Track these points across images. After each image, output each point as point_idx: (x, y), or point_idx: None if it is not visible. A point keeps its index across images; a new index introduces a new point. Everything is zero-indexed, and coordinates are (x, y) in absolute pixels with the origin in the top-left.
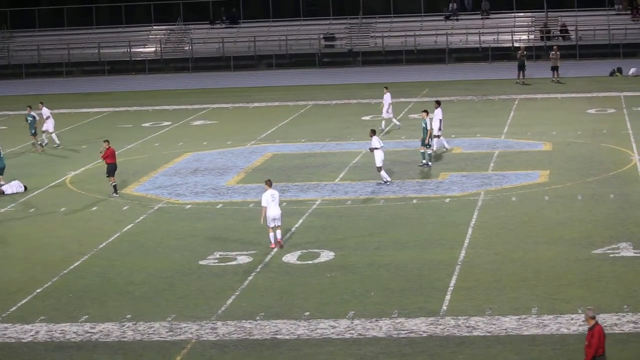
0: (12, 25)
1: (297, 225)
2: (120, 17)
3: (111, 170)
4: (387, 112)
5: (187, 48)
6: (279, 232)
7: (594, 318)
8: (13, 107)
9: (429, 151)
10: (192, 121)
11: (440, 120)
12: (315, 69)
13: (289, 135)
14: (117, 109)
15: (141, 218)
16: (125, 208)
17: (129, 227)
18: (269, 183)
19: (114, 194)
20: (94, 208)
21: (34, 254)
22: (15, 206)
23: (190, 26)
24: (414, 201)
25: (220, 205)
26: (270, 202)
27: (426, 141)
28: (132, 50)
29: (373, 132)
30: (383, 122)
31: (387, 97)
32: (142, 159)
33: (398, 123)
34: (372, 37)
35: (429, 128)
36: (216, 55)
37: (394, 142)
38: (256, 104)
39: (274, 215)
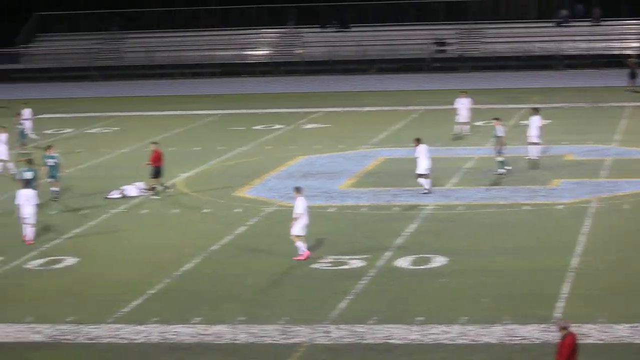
0: (122, 27)
1: (409, 231)
2: (232, 20)
3: (156, 172)
4: (464, 117)
5: (298, 51)
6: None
7: (565, 328)
8: (124, 108)
9: (501, 159)
10: (304, 124)
11: (539, 128)
12: (425, 73)
13: (400, 140)
14: (228, 112)
15: (253, 221)
16: (236, 210)
17: (240, 229)
18: (300, 190)
19: (153, 194)
20: (206, 210)
21: (146, 256)
22: (127, 208)
23: (301, 29)
24: (526, 207)
25: (333, 209)
26: (305, 209)
27: (497, 149)
28: (243, 52)
29: (418, 141)
30: (462, 127)
31: (465, 102)
32: (254, 162)
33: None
34: (482, 42)
35: (499, 135)
36: (327, 58)
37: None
38: (368, 108)
39: (307, 222)
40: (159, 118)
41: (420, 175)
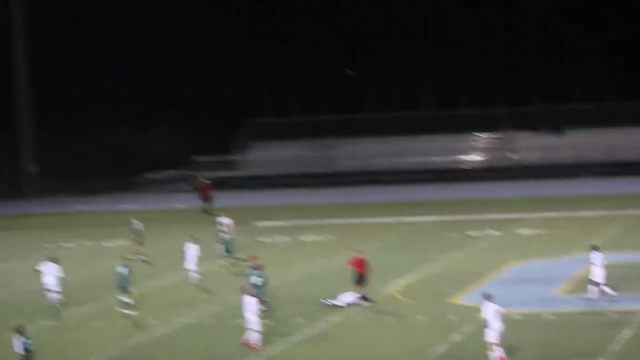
0: (337, 133)
1: (625, 337)
2: (445, 125)
3: (358, 279)
4: None
5: (512, 156)
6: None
7: None
8: (339, 215)
9: None
10: (519, 230)
11: None
12: None
13: (616, 245)
14: (443, 218)
15: (468, 328)
16: (451, 317)
17: (455, 337)
18: (489, 297)
19: (364, 302)
20: (421, 318)
21: None
22: (343, 316)
23: (514, 134)
24: None
25: (548, 314)
26: (496, 316)
27: None
28: (457, 158)
29: (594, 249)
30: None
31: None
32: (469, 268)
33: None
34: None
35: None
36: (541, 163)
37: None
38: (584, 213)
39: (501, 329)
40: (374, 225)
41: (593, 282)
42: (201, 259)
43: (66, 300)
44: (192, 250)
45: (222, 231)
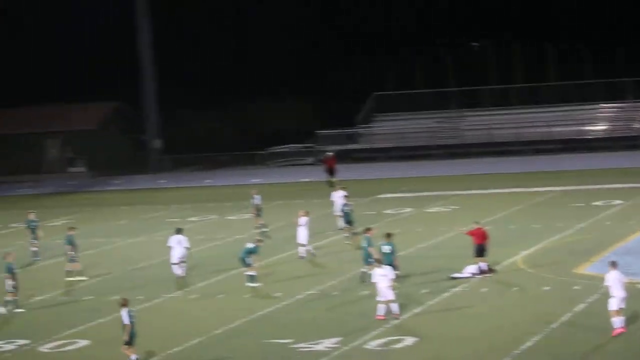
0: (462, 105)
1: None
2: (569, 96)
3: (477, 250)
4: None
5: (637, 126)
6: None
7: None
8: (464, 186)
9: None
10: None
11: None
12: None
13: None
14: (568, 188)
15: (593, 298)
16: (576, 288)
17: (580, 307)
18: (614, 265)
19: (486, 273)
20: (546, 288)
21: (485, 335)
22: (468, 286)
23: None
24: None
25: None
26: (616, 283)
27: None
28: (582, 128)
29: None
30: None
31: None
32: (593, 238)
33: None
34: None
35: None
36: None
37: None
38: None
39: (623, 296)
40: (498, 195)
41: None
42: (321, 232)
43: (190, 273)
44: (303, 224)
45: (343, 204)
